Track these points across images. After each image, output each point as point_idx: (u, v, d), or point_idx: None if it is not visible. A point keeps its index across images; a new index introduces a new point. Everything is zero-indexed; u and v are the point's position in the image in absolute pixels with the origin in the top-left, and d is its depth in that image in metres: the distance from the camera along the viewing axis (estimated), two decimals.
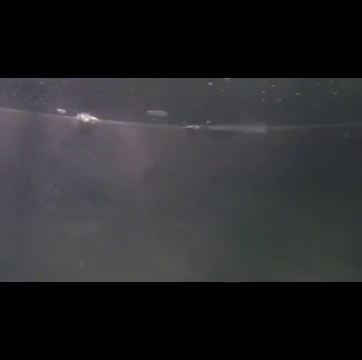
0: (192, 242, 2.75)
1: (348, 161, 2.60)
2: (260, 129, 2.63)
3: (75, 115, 3.00)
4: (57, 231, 2.78)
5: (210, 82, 2.69)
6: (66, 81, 2.66)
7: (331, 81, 2.51)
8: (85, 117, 2.96)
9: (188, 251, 2.73)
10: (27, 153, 2.81)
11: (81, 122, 2.96)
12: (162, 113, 2.73)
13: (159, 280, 1.95)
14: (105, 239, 2.80)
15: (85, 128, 2.92)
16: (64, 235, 2.78)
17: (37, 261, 2.64)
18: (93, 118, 2.97)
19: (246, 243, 2.71)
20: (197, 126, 3.06)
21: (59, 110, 2.88)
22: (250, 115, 2.79)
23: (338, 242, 2.59)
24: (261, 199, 2.73)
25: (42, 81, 2.66)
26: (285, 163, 2.70)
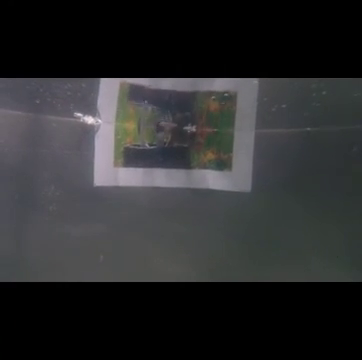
0: (191, 242, 2.76)
1: (348, 163, 2.63)
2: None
3: (79, 118, 3.05)
4: (58, 231, 2.81)
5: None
6: (90, 93, 2.82)
7: (324, 92, 2.61)
8: (88, 119, 3.00)
9: (187, 251, 2.74)
10: (35, 154, 2.86)
11: (85, 124, 3.01)
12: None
13: (158, 280, 1.96)
14: (106, 240, 2.82)
15: (89, 129, 2.97)
16: (65, 235, 2.80)
17: (37, 261, 2.66)
18: (99, 120, 3.01)
19: (245, 243, 2.72)
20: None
21: (77, 114, 2.95)
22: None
23: (338, 242, 2.59)
24: (261, 199, 2.75)
25: (69, 91, 2.83)
26: (285, 164, 2.73)
